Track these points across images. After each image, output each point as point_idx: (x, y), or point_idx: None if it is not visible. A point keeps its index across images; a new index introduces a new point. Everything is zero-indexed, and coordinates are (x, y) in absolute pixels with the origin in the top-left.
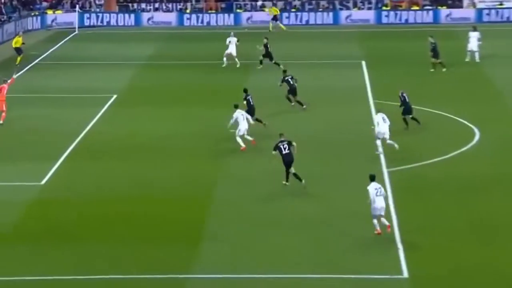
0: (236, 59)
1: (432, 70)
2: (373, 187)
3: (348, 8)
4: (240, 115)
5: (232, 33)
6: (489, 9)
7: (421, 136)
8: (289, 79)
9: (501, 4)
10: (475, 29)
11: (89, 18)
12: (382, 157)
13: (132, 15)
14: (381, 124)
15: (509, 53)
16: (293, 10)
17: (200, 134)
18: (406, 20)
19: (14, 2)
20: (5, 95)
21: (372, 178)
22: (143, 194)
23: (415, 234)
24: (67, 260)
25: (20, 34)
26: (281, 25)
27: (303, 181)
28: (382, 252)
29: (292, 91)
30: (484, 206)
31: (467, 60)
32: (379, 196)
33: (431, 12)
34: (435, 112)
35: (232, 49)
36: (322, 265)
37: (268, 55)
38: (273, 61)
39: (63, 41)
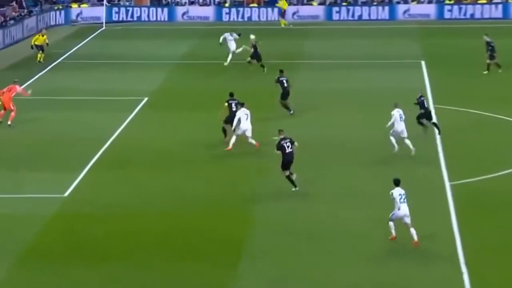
0: (230, 57)
1: (485, 72)
2: (397, 192)
3: (406, 2)
4: (244, 114)
5: (230, 32)
6: None
7: (484, 144)
8: (284, 81)
9: None
10: None
11: (117, 12)
12: (444, 169)
13: (165, 9)
14: (398, 122)
15: None
16: (344, 3)
17: (239, 141)
18: (472, 15)
19: None
20: (11, 96)
21: (397, 183)
22: (175, 208)
23: (480, 256)
24: (91, 281)
25: (44, 32)
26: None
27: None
28: (445, 277)
29: (285, 94)
30: None
31: None
32: (403, 203)
33: (500, 6)
34: (499, 117)
35: (232, 46)
36: (382, 286)
37: (256, 55)
38: (260, 63)
39: (89, 38)
